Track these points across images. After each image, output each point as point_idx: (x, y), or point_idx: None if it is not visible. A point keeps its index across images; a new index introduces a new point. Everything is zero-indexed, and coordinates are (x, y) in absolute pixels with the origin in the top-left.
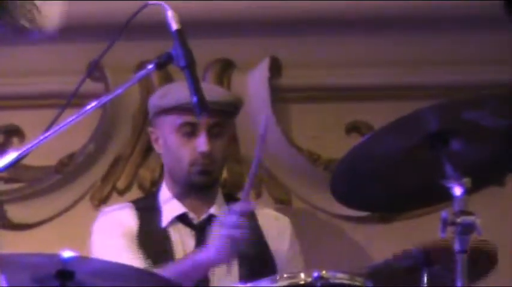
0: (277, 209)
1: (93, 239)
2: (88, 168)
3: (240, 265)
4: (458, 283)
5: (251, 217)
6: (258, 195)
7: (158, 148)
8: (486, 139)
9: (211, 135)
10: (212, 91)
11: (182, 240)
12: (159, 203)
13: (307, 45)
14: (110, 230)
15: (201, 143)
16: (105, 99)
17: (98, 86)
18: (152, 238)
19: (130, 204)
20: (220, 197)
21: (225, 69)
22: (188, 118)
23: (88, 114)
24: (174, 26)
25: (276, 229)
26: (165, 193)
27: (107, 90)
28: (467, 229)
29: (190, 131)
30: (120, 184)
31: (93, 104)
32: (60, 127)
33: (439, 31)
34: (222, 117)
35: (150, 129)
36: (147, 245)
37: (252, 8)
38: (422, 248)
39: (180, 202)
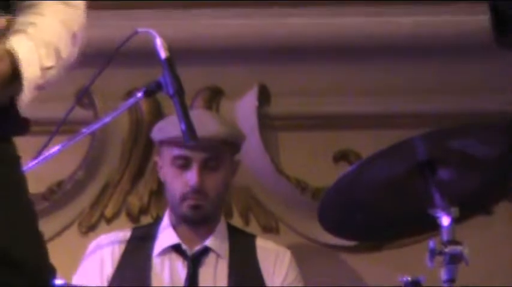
0: (265, 238)
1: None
2: (77, 195)
3: None
4: None
5: (251, 250)
6: (246, 223)
7: (161, 176)
8: (475, 168)
9: (206, 169)
10: (209, 125)
11: (173, 269)
12: (158, 231)
13: (295, 73)
14: (90, 265)
15: (192, 177)
16: (94, 126)
17: (87, 113)
18: (134, 267)
19: (128, 232)
20: (221, 229)
21: (214, 96)
22: (181, 151)
23: (77, 142)
24: (163, 53)
25: (273, 265)
26: (165, 221)
27: (96, 117)
28: (455, 258)
29: (183, 164)
30: (108, 212)
31: (82, 131)
32: (50, 154)
33: (429, 60)
34: (217, 151)
35: (156, 158)
36: (125, 275)
37: (241, 35)
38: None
39: (175, 232)
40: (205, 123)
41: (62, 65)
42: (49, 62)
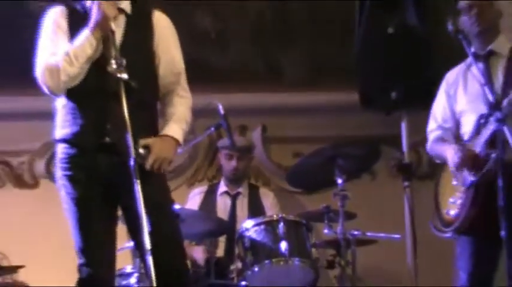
0: (263, 188)
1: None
2: (184, 171)
3: (249, 215)
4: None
5: (257, 193)
6: (256, 181)
7: (221, 163)
8: (350, 160)
9: (238, 160)
10: (240, 141)
11: (224, 201)
12: (219, 186)
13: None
14: (190, 202)
15: (233, 163)
16: (195, 141)
17: (192, 136)
18: (209, 201)
19: (206, 186)
20: (245, 184)
21: (243, 129)
22: (229, 152)
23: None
24: (221, 109)
25: (266, 197)
26: (221, 182)
27: (195, 137)
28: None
29: (229, 158)
30: (198, 179)
31: (189, 144)
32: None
33: None
34: (243, 152)
35: (218, 155)
36: (206, 205)
37: None
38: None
39: (225, 186)
40: (238, 140)
41: (187, 131)
42: (186, 128)
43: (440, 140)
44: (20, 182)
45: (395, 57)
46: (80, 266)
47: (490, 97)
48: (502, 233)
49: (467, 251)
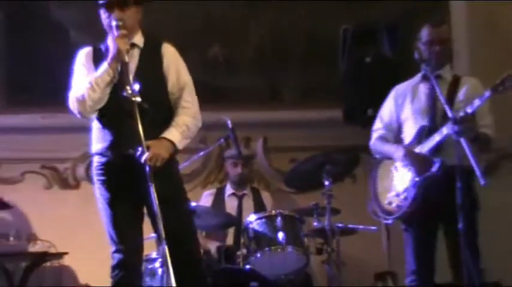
0: (263, 191)
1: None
2: (198, 175)
3: (255, 211)
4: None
5: (259, 194)
6: (258, 185)
7: (227, 170)
8: (337, 168)
9: (242, 166)
10: (243, 151)
11: (232, 201)
12: (226, 189)
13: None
14: (203, 201)
15: (238, 170)
16: (206, 151)
17: (204, 146)
18: (218, 202)
19: (215, 189)
20: (249, 187)
21: (247, 141)
22: (234, 160)
23: (200, 156)
24: (229, 124)
25: (265, 197)
26: (227, 185)
27: (207, 147)
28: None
29: (235, 165)
30: (209, 182)
31: (201, 153)
32: (188, 162)
33: None
34: (246, 160)
35: (225, 163)
36: (216, 205)
37: None
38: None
39: (232, 189)
40: (242, 151)
41: (190, 136)
42: (186, 131)
43: (384, 139)
44: (64, 184)
45: (371, 82)
46: (113, 253)
47: (448, 111)
48: (460, 226)
49: (412, 239)
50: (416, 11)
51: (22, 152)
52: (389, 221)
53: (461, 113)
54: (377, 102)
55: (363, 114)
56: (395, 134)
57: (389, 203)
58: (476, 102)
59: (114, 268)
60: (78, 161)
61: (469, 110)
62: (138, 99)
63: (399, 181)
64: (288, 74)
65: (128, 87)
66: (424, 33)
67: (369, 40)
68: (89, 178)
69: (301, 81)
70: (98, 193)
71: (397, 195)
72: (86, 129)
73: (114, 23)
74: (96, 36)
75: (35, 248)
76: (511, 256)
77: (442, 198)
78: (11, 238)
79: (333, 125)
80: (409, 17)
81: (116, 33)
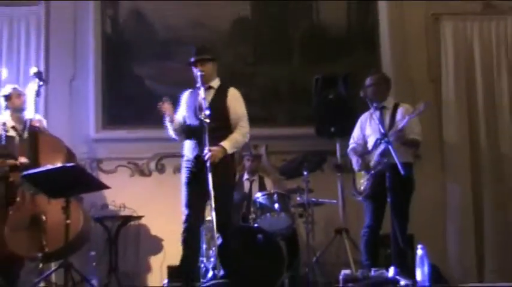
0: (267, 178)
1: None
2: None
3: (260, 190)
4: None
5: (263, 181)
6: (263, 174)
7: (244, 163)
8: (313, 162)
9: (252, 162)
10: (253, 151)
11: (247, 183)
12: (243, 176)
13: None
14: None
15: (249, 163)
16: None
17: None
18: (239, 185)
19: (238, 176)
20: (257, 175)
21: (256, 146)
22: (248, 157)
23: None
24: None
25: (267, 182)
26: (244, 173)
27: None
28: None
29: (248, 160)
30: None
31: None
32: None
33: None
34: (254, 157)
35: (243, 159)
36: (240, 184)
37: None
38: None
39: (247, 175)
40: (253, 152)
41: (238, 146)
42: (236, 142)
43: (354, 150)
44: (142, 173)
45: (333, 110)
46: (184, 215)
47: (382, 130)
48: (389, 200)
49: (369, 208)
50: (361, 66)
51: (116, 154)
52: (360, 198)
53: (393, 130)
54: (337, 123)
55: (328, 130)
56: (362, 145)
57: (361, 188)
58: (403, 121)
59: (184, 226)
60: (150, 159)
61: (399, 126)
62: (207, 121)
63: (363, 176)
64: (281, 106)
65: (202, 113)
66: (366, 81)
67: (331, 85)
68: (158, 170)
69: (289, 110)
70: (182, 177)
71: (363, 183)
72: (156, 139)
73: (199, 73)
74: (164, 83)
75: (124, 213)
76: (425, 219)
77: (388, 183)
78: (109, 206)
79: (309, 138)
80: (357, 70)
81: (199, 79)
